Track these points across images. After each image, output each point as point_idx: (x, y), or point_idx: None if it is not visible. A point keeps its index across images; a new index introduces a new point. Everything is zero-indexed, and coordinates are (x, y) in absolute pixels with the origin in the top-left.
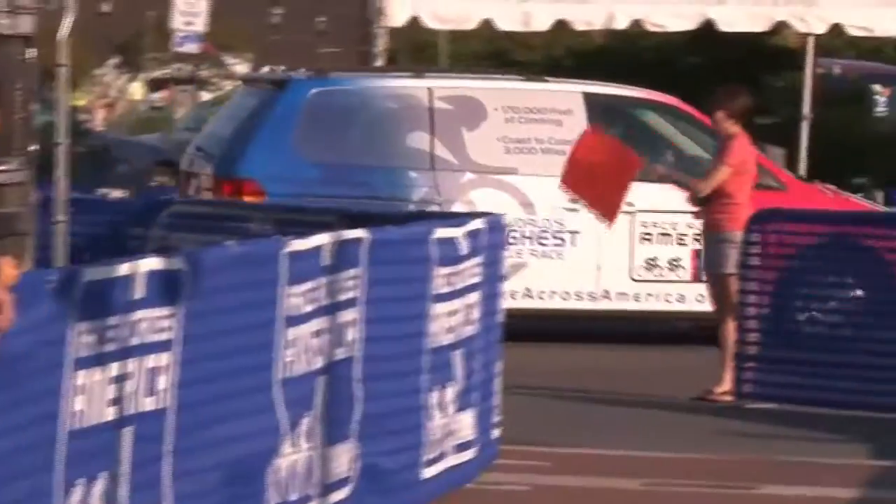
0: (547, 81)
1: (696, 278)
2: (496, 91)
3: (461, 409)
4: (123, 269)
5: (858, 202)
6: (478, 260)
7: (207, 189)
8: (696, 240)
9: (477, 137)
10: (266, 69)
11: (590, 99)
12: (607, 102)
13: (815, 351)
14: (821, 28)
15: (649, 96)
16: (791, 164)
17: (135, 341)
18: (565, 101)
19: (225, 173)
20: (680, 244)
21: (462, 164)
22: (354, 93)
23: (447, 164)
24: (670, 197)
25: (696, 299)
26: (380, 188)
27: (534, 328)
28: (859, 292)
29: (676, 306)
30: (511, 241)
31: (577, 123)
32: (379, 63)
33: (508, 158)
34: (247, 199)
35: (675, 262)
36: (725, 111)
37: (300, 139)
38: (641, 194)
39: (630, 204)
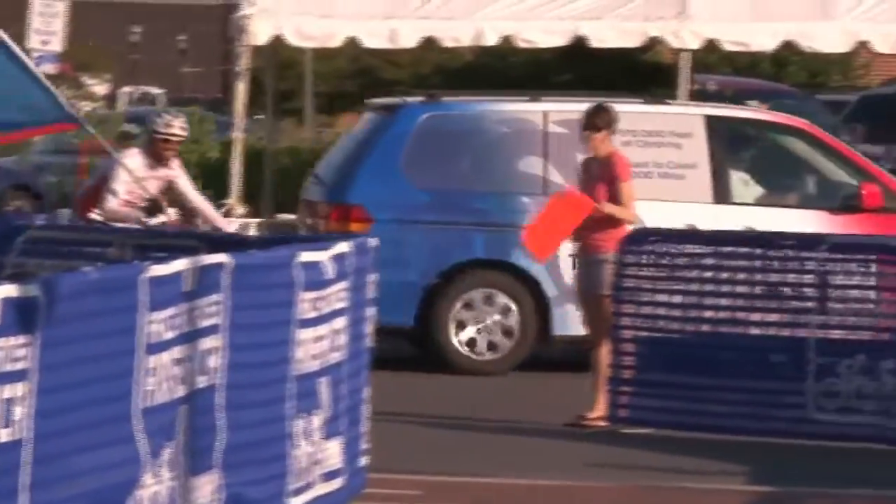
0: (668, 104)
1: None
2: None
3: (328, 437)
4: None
5: None
6: (345, 284)
7: (321, 217)
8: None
9: None
10: (127, 89)
11: (712, 122)
12: (731, 126)
13: (691, 374)
14: (695, 43)
15: (778, 119)
16: None
17: None
18: (686, 124)
19: (334, 199)
20: None
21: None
22: (466, 118)
23: (560, 188)
24: None
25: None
26: (490, 213)
27: None
28: (731, 315)
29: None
30: None
31: (697, 147)
32: (241, 82)
33: None
34: (354, 226)
35: None
36: (607, 131)
37: (409, 165)
38: None
39: None
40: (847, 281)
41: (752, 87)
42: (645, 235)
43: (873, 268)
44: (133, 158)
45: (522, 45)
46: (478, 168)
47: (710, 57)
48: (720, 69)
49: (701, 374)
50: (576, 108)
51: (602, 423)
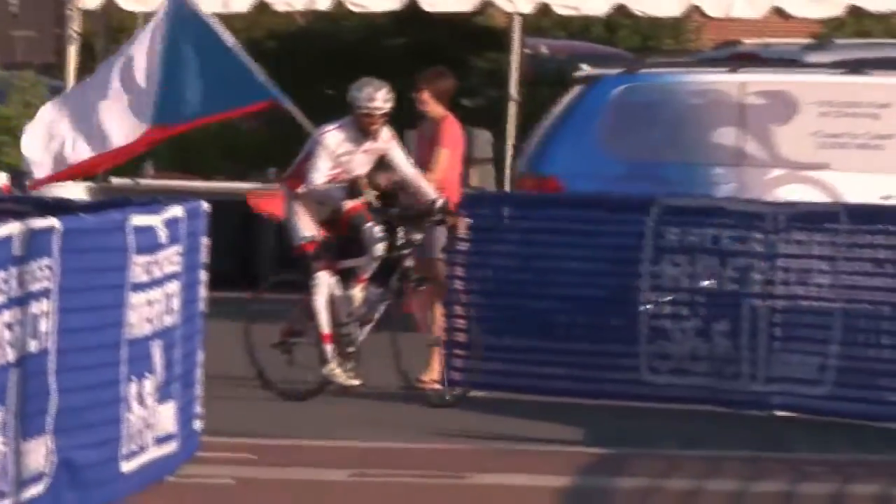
0: (869, 74)
1: None
2: (813, 85)
3: (161, 400)
4: None
5: None
6: (177, 248)
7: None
8: None
9: (788, 132)
10: None
11: None
12: None
13: (525, 338)
14: (527, 8)
15: None
16: (498, 146)
17: None
18: (887, 94)
19: (531, 171)
20: None
21: (771, 160)
22: (663, 89)
23: (755, 159)
24: None
25: None
26: (685, 184)
27: None
28: (567, 278)
29: None
30: None
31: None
32: (73, 46)
33: (821, 154)
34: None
35: None
36: (431, 92)
37: (605, 136)
38: None
39: None
40: (678, 243)
41: (584, 51)
42: (478, 200)
43: (710, 230)
44: (332, 134)
45: (354, 9)
46: (673, 139)
47: (543, 21)
48: (553, 33)
49: (535, 338)
50: (774, 78)
51: (437, 387)
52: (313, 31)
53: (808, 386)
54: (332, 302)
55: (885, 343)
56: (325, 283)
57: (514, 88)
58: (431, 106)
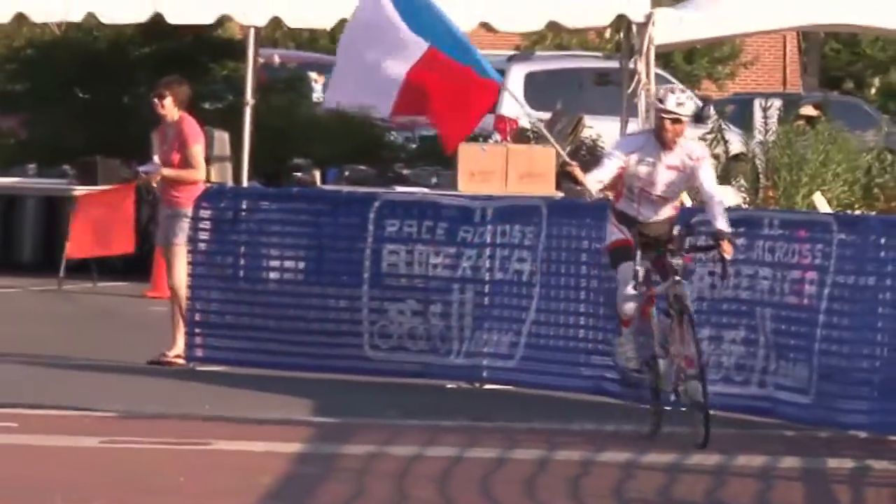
0: None
1: None
2: None
3: None
4: None
5: None
6: None
7: None
8: None
9: None
10: None
11: None
12: None
13: (258, 317)
14: (262, 21)
15: None
16: (235, 147)
17: None
18: None
19: None
20: None
21: None
22: None
23: None
24: None
25: None
26: None
27: None
28: (299, 264)
29: None
30: None
31: None
32: None
33: None
34: None
35: None
36: (174, 98)
37: None
38: None
39: None
40: (396, 234)
41: (313, 61)
42: (219, 193)
43: (426, 222)
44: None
45: (105, 21)
46: None
47: (276, 33)
48: (284, 44)
49: (267, 317)
50: None
51: (180, 361)
52: (68, 40)
53: (506, 360)
54: None
55: (577, 323)
56: None
57: (249, 94)
58: (170, 109)
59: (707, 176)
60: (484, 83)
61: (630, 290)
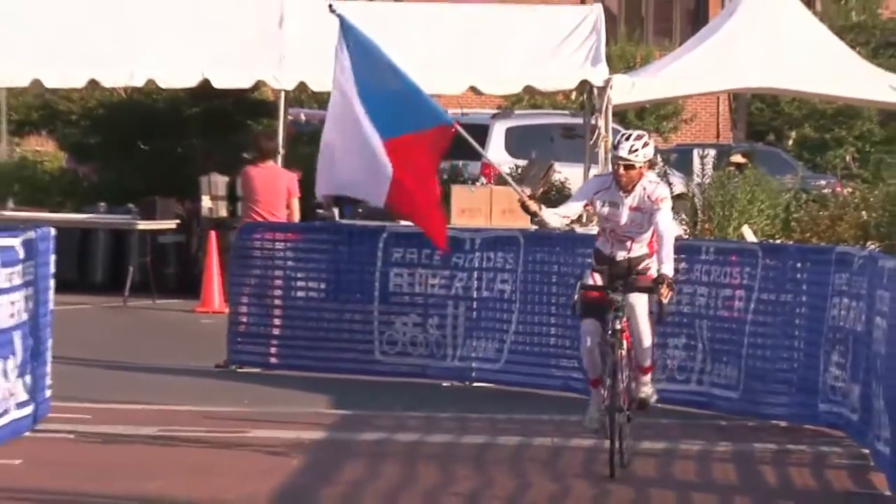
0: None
1: None
2: None
3: (20, 375)
4: None
5: None
6: (31, 262)
7: None
8: None
9: None
10: None
11: None
12: None
13: (289, 328)
14: (290, 85)
15: None
16: None
17: None
18: None
19: None
20: None
21: None
22: None
23: None
24: None
25: None
26: None
27: None
28: (321, 284)
29: None
30: None
31: None
32: None
33: None
34: None
35: None
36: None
37: None
38: None
39: None
40: (402, 259)
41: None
42: (253, 227)
43: (425, 250)
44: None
45: (162, 85)
46: None
47: (302, 95)
48: (308, 104)
49: (295, 328)
50: None
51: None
52: (132, 102)
53: (491, 363)
54: None
55: (549, 333)
56: None
57: (280, 145)
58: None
59: (663, 218)
60: (440, 133)
61: (590, 344)
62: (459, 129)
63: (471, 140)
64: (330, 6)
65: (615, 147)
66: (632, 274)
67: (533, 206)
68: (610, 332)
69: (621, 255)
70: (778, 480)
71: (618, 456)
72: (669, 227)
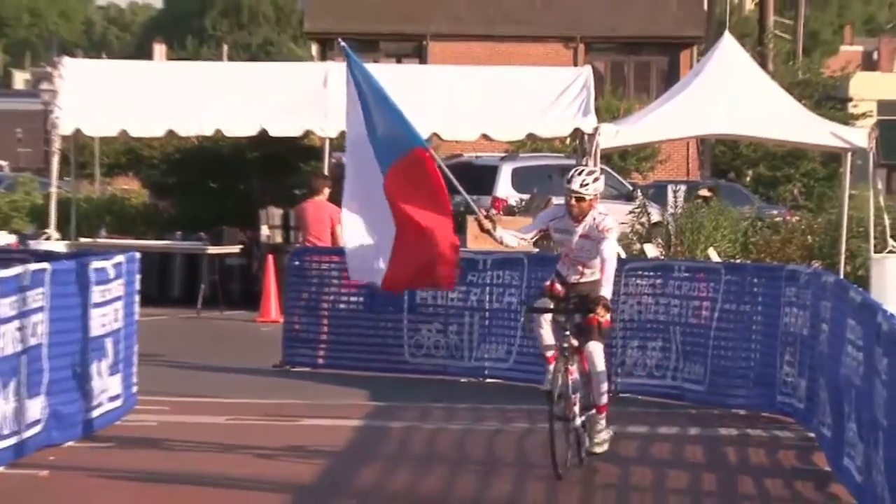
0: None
1: None
2: None
3: (112, 374)
4: None
5: None
6: (121, 281)
7: None
8: None
9: None
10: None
11: None
12: None
13: (333, 334)
14: (334, 133)
15: None
16: None
17: None
18: None
19: None
20: None
21: None
22: None
23: None
24: None
25: None
26: None
27: None
28: (360, 298)
29: None
30: None
31: None
32: (55, 157)
33: None
34: None
35: None
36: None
37: None
38: None
39: None
40: None
41: None
42: (305, 251)
43: None
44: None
45: (228, 134)
46: None
47: (343, 141)
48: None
49: (339, 334)
50: None
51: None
52: (202, 147)
53: (502, 363)
54: None
55: None
56: None
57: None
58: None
59: (608, 247)
60: (414, 157)
61: (543, 324)
62: (433, 153)
63: (445, 169)
64: (338, 40)
65: (568, 181)
66: (579, 296)
67: (487, 224)
68: (559, 347)
69: (574, 279)
70: (738, 459)
71: (576, 458)
72: (612, 255)
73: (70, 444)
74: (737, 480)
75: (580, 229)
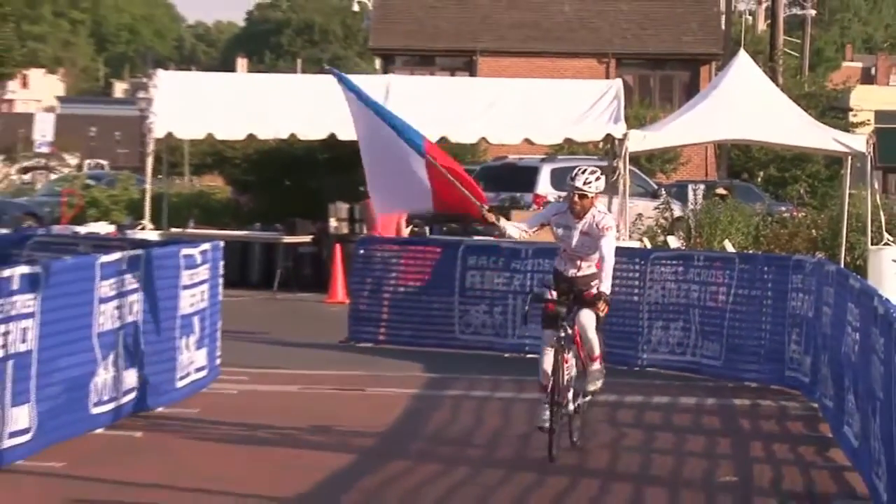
0: None
1: None
2: None
3: (198, 348)
4: (6, 272)
5: None
6: (207, 266)
7: None
8: None
9: None
10: (88, 161)
11: None
12: None
13: (394, 314)
14: None
15: None
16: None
17: (13, 312)
18: None
19: None
20: None
21: None
22: None
23: None
24: None
25: None
26: None
27: None
28: (416, 282)
29: None
30: None
31: None
32: (150, 157)
33: None
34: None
35: None
36: None
37: None
38: None
39: None
40: (475, 263)
41: None
42: (370, 240)
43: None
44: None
45: (302, 138)
46: None
47: None
48: None
49: (399, 314)
50: None
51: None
52: (279, 149)
53: (539, 340)
54: None
55: None
56: None
57: None
58: None
59: (607, 244)
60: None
61: (547, 354)
62: (432, 160)
63: (445, 171)
64: (324, 67)
65: (573, 178)
66: (576, 289)
67: (491, 217)
68: (556, 337)
69: (572, 273)
70: (751, 427)
71: (569, 440)
72: (611, 252)
73: (161, 409)
74: (749, 445)
75: (580, 226)
